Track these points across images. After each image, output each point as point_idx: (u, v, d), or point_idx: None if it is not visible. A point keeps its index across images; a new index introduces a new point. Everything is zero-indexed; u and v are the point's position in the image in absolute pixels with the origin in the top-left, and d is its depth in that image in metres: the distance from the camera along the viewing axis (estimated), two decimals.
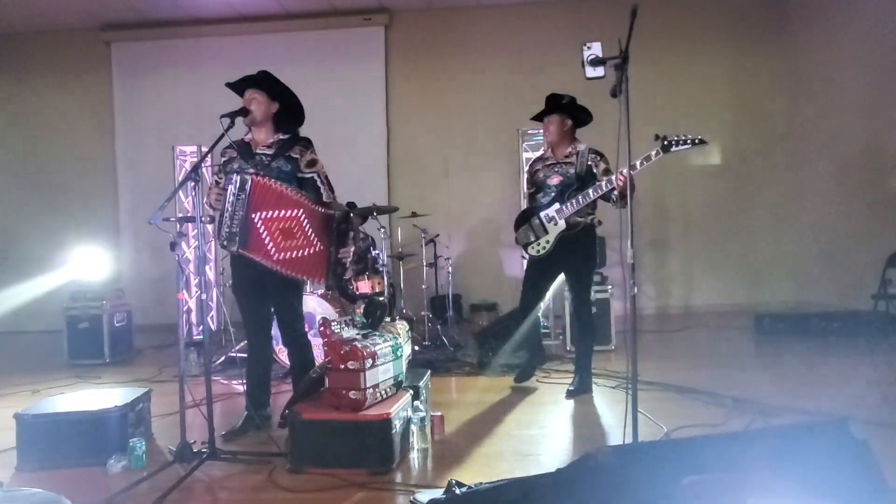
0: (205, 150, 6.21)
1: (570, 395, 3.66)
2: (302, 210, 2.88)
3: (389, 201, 7.32)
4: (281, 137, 3.10)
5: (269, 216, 2.85)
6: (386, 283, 5.21)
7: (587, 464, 1.25)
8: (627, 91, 2.39)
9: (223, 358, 4.88)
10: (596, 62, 2.52)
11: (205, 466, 2.62)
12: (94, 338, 5.29)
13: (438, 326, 5.49)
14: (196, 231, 2.95)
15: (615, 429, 3.02)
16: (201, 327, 5.92)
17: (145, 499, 2.36)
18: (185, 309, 6.10)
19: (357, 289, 5.17)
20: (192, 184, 2.82)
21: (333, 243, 2.94)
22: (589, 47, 2.54)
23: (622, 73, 2.44)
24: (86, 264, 5.79)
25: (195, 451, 2.68)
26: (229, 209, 2.85)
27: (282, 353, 4.15)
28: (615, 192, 3.29)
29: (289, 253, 2.87)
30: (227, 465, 2.66)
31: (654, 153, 3.08)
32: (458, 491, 1.77)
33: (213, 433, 2.69)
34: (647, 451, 1.45)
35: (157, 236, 7.55)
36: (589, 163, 3.58)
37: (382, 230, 5.25)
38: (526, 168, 6.07)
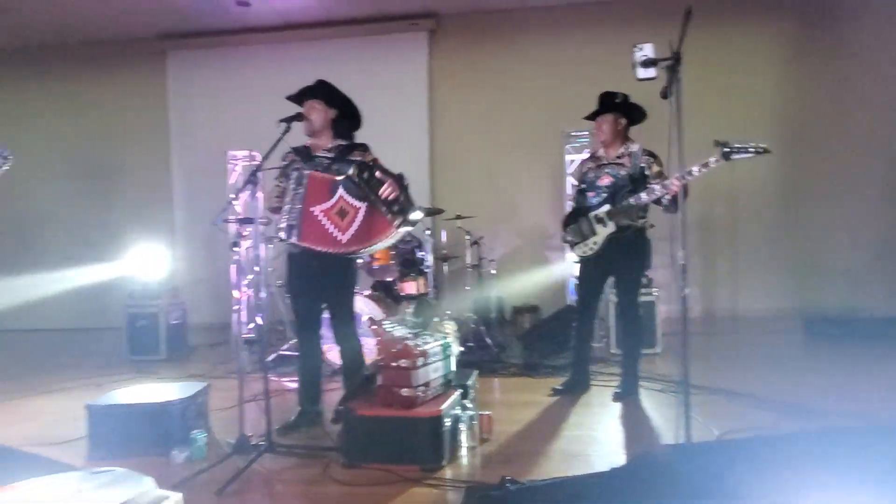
0: (256, 154, 6.46)
1: (617, 397, 3.64)
2: (367, 205, 2.95)
3: (432, 204, 7.39)
4: (340, 143, 3.21)
5: (325, 207, 2.95)
6: (430, 284, 5.28)
7: (646, 461, 1.26)
8: (679, 93, 2.38)
9: (274, 356, 5.03)
10: (647, 63, 2.52)
11: (262, 459, 2.72)
12: (151, 335, 5.52)
13: (482, 328, 5.52)
14: (251, 232, 3.10)
15: (665, 431, 3.00)
16: (251, 325, 6.11)
17: (207, 488, 2.47)
18: (236, 308, 6.31)
19: (402, 290, 5.26)
20: (251, 186, 2.93)
21: (372, 193, 2.93)
22: (640, 48, 2.54)
23: (674, 74, 2.44)
24: (143, 264, 6.04)
25: (253, 443, 2.78)
26: (288, 204, 2.97)
27: (330, 353, 4.25)
28: (667, 197, 3.26)
29: (350, 228, 2.94)
30: (283, 459, 2.76)
31: (713, 160, 3.02)
32: (512, 487, 1.81)
33: (271, 427, 2.79)
34: (706, 450, 1.45)
35: (209, 237, 7.84)
36: (642, 164, 3.54)
37: (428, 231, 5.32)
38: (570, 169, 6.09)
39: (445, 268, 5.73)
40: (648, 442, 2.89)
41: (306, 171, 3.02)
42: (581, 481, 1.51)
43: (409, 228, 2.97)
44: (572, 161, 6.15)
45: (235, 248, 2.69)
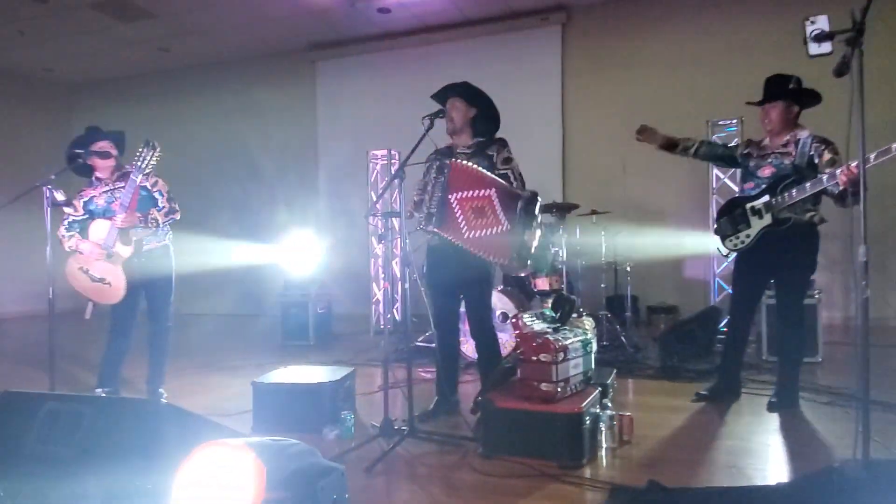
0: (395, 153, 6.76)
1: (772, 407, 3.34)
2: (494, 189, 2.95)
3: (564, 199, 7.27)
4: (479, 140, 3.28)
5: (463, 196, 3.00)
6: (564, 281, 5.20)
7: (830, 477, 1.15)
8: (861, 70, 2.12)
9: (412, 346, 5.23)
10: (821, 37, 2.27)
11: (404, 443, 2.85)
12: (301, 322, 6.00)
13: (617, 327, 5.34)
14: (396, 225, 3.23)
15: (833, 448, 2.71)
16: (389, 316, 6.41)
17: (355, 465, 2.64)
18: (374, 300, 6.66)
19: (535, 286, 5.22)
20: (397, 182, 3.07)
21: (521, 226, 2.92)
22: (813, 21, 2.30)
23: (854, 48, 2.18)
24: (295, 257, 6.57)
25: (396, 427, 2.93)
26: (429, 191, 3.08)
27: (464, 346, 4.34)
28: (838, 188, 2.92)
29: (478, 231, 2.96)
30: (424, 443, 2.87)
31: (894, 146, 2.67)
32: (663, 491, 1.73)
33: (413, 413, 2.92)
34: None
35: (350, 231, 8.29)
36: (811, 153, 3.17)
37: (561, 227, 5.24)
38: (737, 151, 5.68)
39: (579, 264, 5.60)
40: (814, 458, 2.62)
41: (447, 160, 3.09)
42: (745, 493, 1.39)
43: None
44: None
45: (381, 242, 2.82)
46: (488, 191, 2.98)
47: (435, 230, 3.08)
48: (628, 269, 5.74)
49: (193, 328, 7.53)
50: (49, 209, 3.47)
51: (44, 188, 3.46)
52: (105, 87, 9.97)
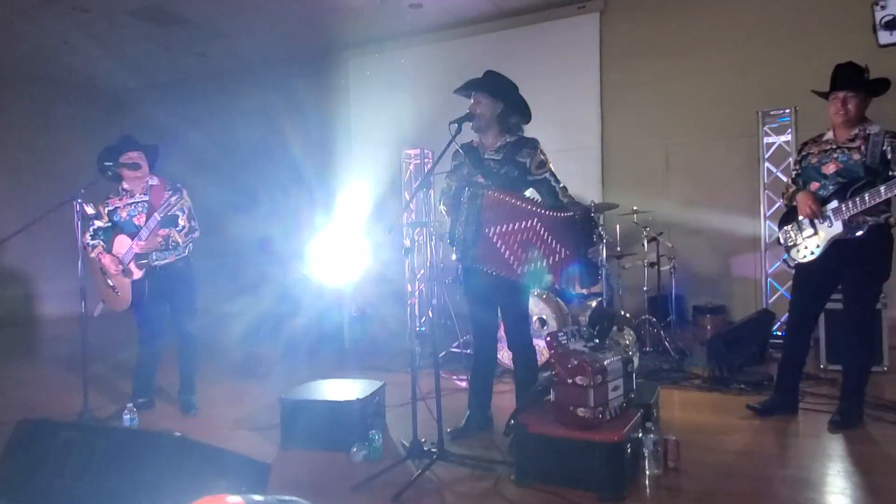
0: (428, 153, 6.62)
1: (834, 427, 3.07)
2: (536, 219, 2.77)
3: (604, 196, 7.00)
4: (508, 140, 3.06)
5: (504, 230, 2.80)
6: (604, 282, 4.98)
7: None
8: None
9: (444, 353, 5.10)
10: (894, 24, 2.02)
11: (434, 466, 2.72)
12: (335, 326, 5.97)
13: (660, 331, 5.08)
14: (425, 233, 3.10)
15: None
16: (423, 318, 6.30)
17: (383, 491, 2.53)
18: (409, 302, 6.56)
19: (574, 289, 5.02)
20: (424, 189, 2.93)
21: (581, 243, 2.75)
22: (884, 6, 2.04)
23: None
24: (329, 258, 6.52)
25: (425, 449, 2.80)
26: (463, 221, 2.88)
27: (500, 353, 4.18)
28: None
29: (532, 265, 2.78)
30: (454, 468, 2.73)
31: None
32: None
33: (442, 435, 2.78)
34: None
35: (385, 233, 8.19)
36: (884, 147, 2.87)
37: (601, 227, 5.01)
38: (768, 153, 5.34)
39: (621, 266, 5.35)
40: (890, 492, 2.36)
41: (480, 190, 2.86)
42: None
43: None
44: (769, 144, 5.40)
45: (406, 256, 2.69)
46: (530, 221, 2.77)
47: (478, 265, 2.90)
48: (672, 269, 5.45)
49: (228, 328, 7.58)
50: (79, 223, 3.48)
51: (74, 202, 3.47)
52: (146, 94, 10.14)
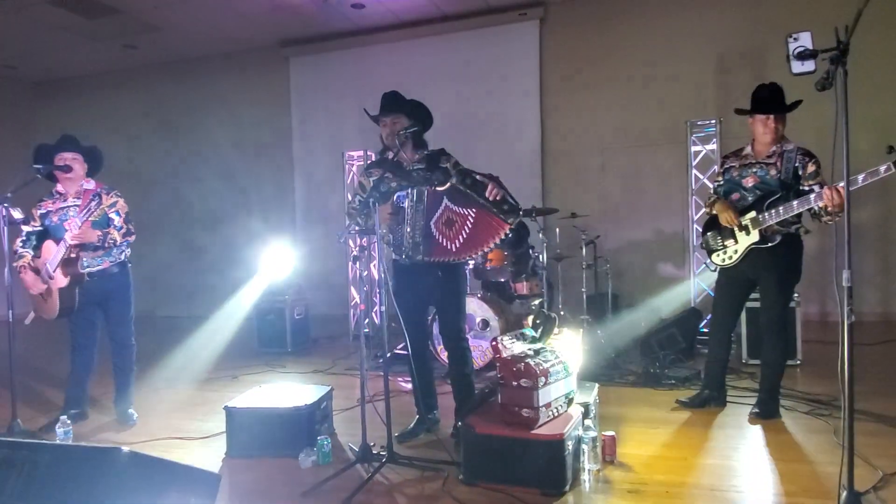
0: (371, 154, 6.61)
1: (754, 418, 3.34)
2: (475, 211, 2.93)
3: (544, 199, 7.22)
4: (425, 153, 3.20)
5: (435, 219, 3.00)
6: (543, 285, 5.15)
7: None
8: (846, 90, 2.07)
9: (388, 354, 5.13)
10: (805, 55, 2.22)
11: (383, 469, 2.77)
12: (278, 328, 5.86)
13: (598, 331, 5.31)
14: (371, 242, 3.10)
15: (819, 465, 2.70)
16: (367, 321, 6.30)
17: (333, 496, 2.56)
18: (353, 304, 6.55)
19: (516, 291, 5.18)
20: (371, 202, 2.96)
21: (477, 190, 2.92)
22: (796, 38, 2.24)
23: (837, 67, 2.12)
24: (270, 260, 6.42)
25: (375, 453, 2.85)
26: (410, 221, 3.01)
27: (443, 353, 4.27)
28: (819, 205, 2.91)
29: (459, 237, 2.97)
30: (404, 470, 2.79)
31: (883, 168, 2.62)
32: None
33: (391, 436, 2.83)
34: None
35: (328, 234, 8.17)
36: (796, 164, 3.16)
37: (541, 232, 5.18)
38: (695, 161, 5.67)
39: (559, 268, 5.55)
40: (804, 481, 2.59)
41: (426, 188, 3.03)
42: None
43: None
44: (697, 153, 5.73)
45: (355, 264, 2.73)
46: (466, 210, 2.95)
47: (428, 259, 3.05)
48: (609, 271, 5.71)
49: (166, 333, 7.33)
50: (6, 228, 3.31)
51: (0, 206, 3.29)
52: (70, 86, 9.63)
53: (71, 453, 1.96)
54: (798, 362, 4.57)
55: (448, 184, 2.97)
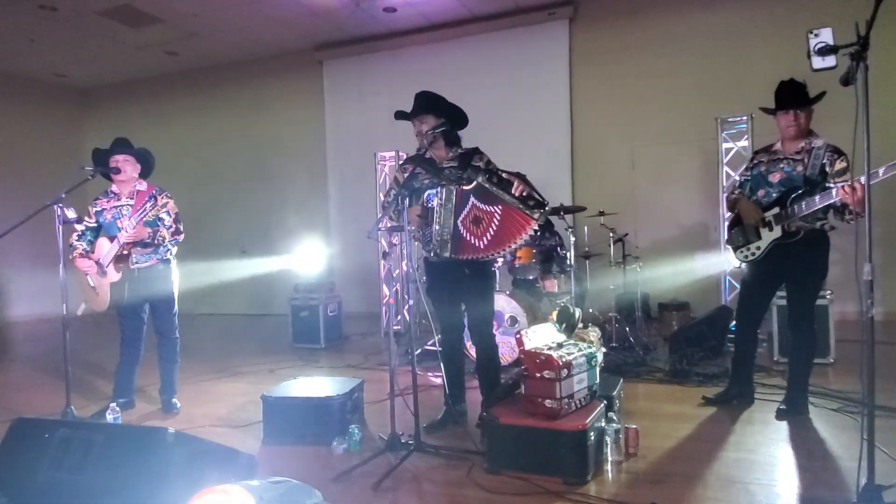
0: (403, 154, 6.75)
1: (781, 415, 3.32)
2: (501, 208, 2.99)
3: (573, 197, 7.25)
4: (459, 151, 3.30)
5: (462, 217, 3.07)
6: (573, 282, 5.20)
7: None
8: (867, 85, 2.08)
9: (419, 350, 5.26)
10: (825, 51, 2.23)
11: (411, 457, 2.88)
12: (312, 325, 6.04)
13: (626, 328, 5.33)
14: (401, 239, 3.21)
15: (842, 461, 2.70)
16: (399, 318, 6.44)
17: (363, 481, 2.68)
18: (385, 301, 6.69)
19: (545, 288, 5.24)
20: (399, 199, 3.07)
21: (505, 186, 2.96)
22: (816, 34, 2.25)
23: (858, 62, 2.13)
24: (304, 258, 6.63)
25: (403, 441, 2.96)
26: (439, 220, 3.09)
27: (472, 349, 4.36)
28: (839, 201, 2.89)
29: (488, 234, 3.01)
30: (430, 458, 2.89)
31: None
32: None
33: (419, 428, 2.94)
34: None
35: (360, 233, 8.34)
36: (824, 161, 3.14)
37: (570, 230, 5.22)
38: (727, 158, 5.62)
39: (588, 265, 5.59)
40: (823, 475, 2.60)
41: (454, 187, 3.10)
42: None
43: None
44: (728, 149, 5.68)
45: (385, 259, 2.84)
46: (493, 207, 3.01)
47: (456, 257, 3.13)
48: (638, 268, 5.71)
49: (205, 329, 7.63)
50: (61, 227, 3.54)
51: (55, 206, 3.52)
52: (116, 92, 10.07)
53: (122, 433, 2.13)
54: (831, 360, 4.51)
55: (475, 182, 3.04)
